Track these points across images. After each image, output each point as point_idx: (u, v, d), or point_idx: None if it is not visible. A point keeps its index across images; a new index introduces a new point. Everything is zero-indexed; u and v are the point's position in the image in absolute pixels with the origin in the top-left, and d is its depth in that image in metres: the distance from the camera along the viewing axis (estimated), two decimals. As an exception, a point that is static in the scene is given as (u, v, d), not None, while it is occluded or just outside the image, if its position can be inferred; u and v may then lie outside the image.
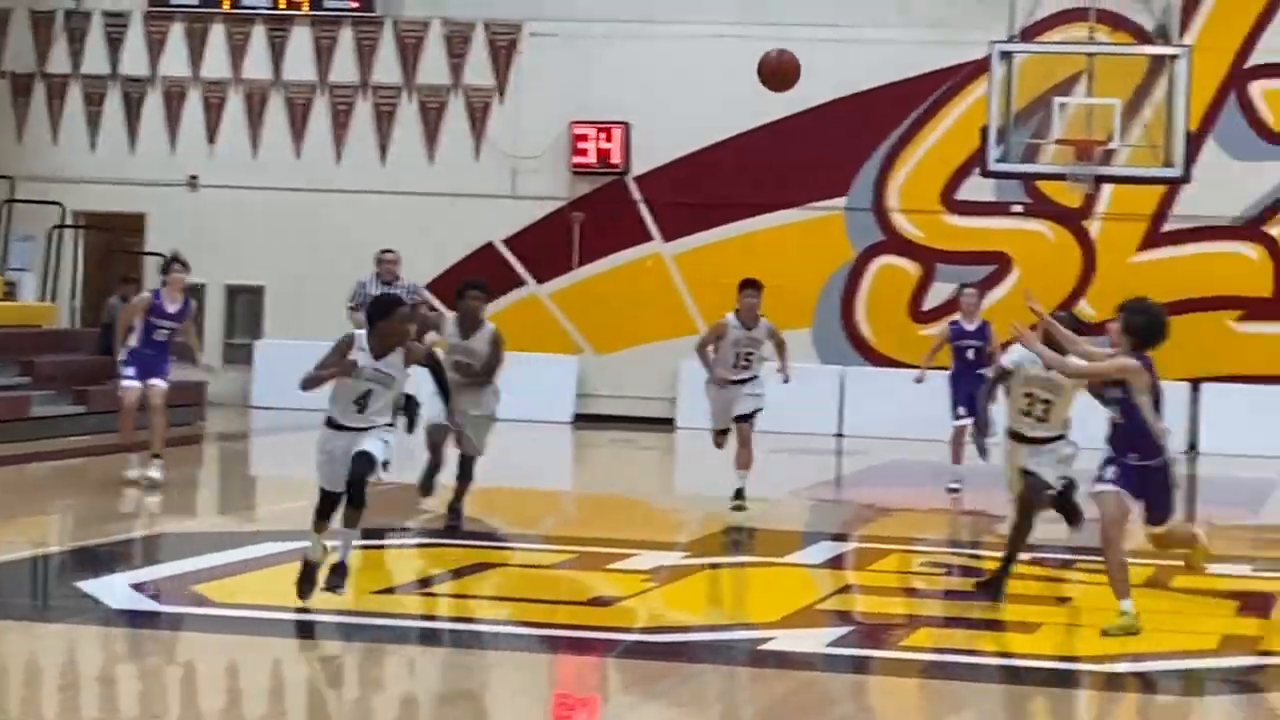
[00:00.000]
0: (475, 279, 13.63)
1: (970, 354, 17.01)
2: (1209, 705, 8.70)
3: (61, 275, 23.43)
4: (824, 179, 24.22)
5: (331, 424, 9.22)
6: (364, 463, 9.05)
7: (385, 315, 9.25)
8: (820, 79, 23.57)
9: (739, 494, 14.34)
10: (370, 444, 9.13)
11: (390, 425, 9.62)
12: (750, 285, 14.76)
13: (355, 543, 9.64)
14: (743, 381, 14.52)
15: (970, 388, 16.65)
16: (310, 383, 9.60)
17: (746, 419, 14.74)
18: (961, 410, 16.85)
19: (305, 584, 9.19)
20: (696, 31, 24.41)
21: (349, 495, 9.10)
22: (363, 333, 9.53)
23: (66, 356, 20.79)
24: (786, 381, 14.79)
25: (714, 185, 24.37)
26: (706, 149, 24.48)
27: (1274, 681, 9.09)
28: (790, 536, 13.79)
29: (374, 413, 9.34)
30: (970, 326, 17.14)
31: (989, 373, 13.11)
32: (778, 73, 11.79)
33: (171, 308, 15.17)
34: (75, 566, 12.85)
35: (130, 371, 15.33)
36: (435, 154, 25.67)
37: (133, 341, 15.71)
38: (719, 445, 15.20)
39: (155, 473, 14.85)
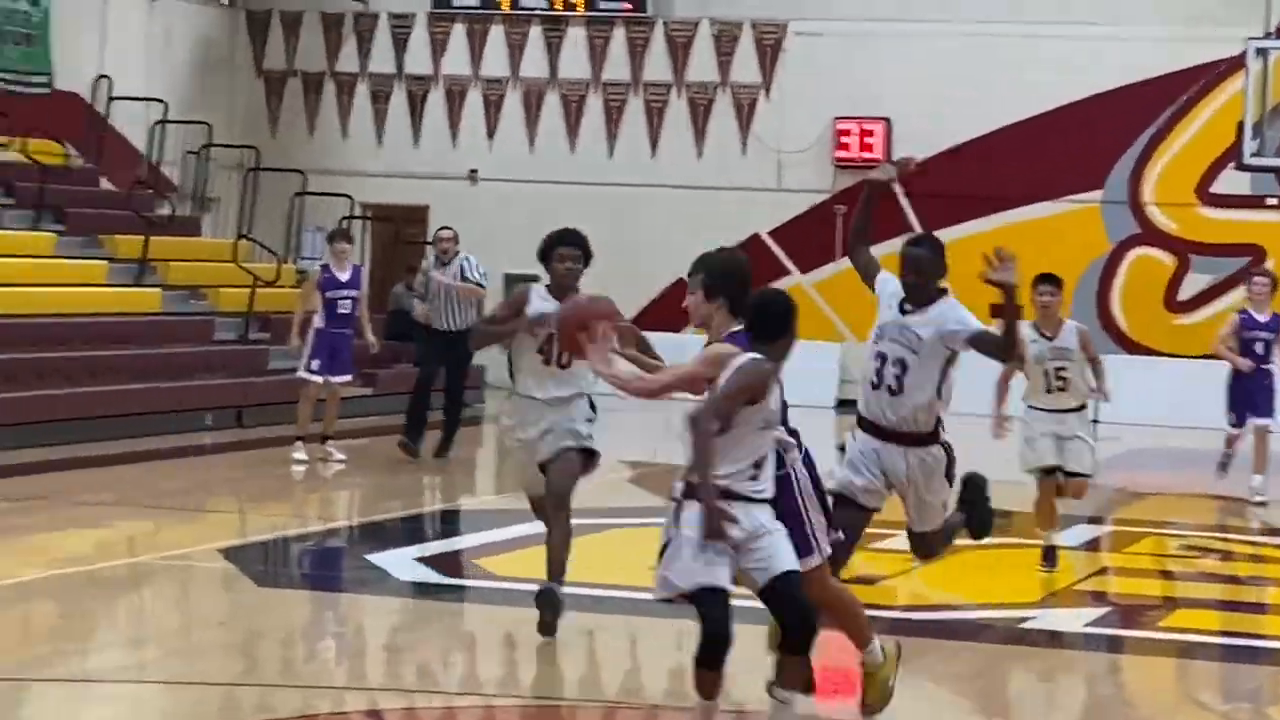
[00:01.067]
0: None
1: (1259, 347, 15.60)
2: None
3: (349, 264, 24.34)
4: (1080, 173, 24.44)
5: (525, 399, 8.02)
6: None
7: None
8: (1077, 75, 24.50)
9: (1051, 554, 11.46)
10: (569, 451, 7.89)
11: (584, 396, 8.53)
12: (1046, 280, 11.65)
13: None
14: (1066, 411, 11.56)
15: (1254, 385, 15.72)
16: (482, 338, 8.77)
17: (1079, 476, 11.72)
18: (1233, 417, 15.83)
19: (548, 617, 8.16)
20: (955, 29, 24.77)
21: None
22: (540, 285, 8.56)
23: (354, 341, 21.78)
24: (1108, 401, 12.47)
25: (971, 179, 24.51)
26: (964, 144, 24.67)
27: None
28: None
29: (577, 373, 8.15)
30: (1261, 318, 15.69)
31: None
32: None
33: (343, 276, 15.30)
34: (364, 540, 13.39)
35: (316, 364, 15.36)
36: (703, 149, 26.30)
37: (318, 321, 15.65)
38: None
39: (336, 455, 15.34)
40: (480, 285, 16.53)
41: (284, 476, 16.02)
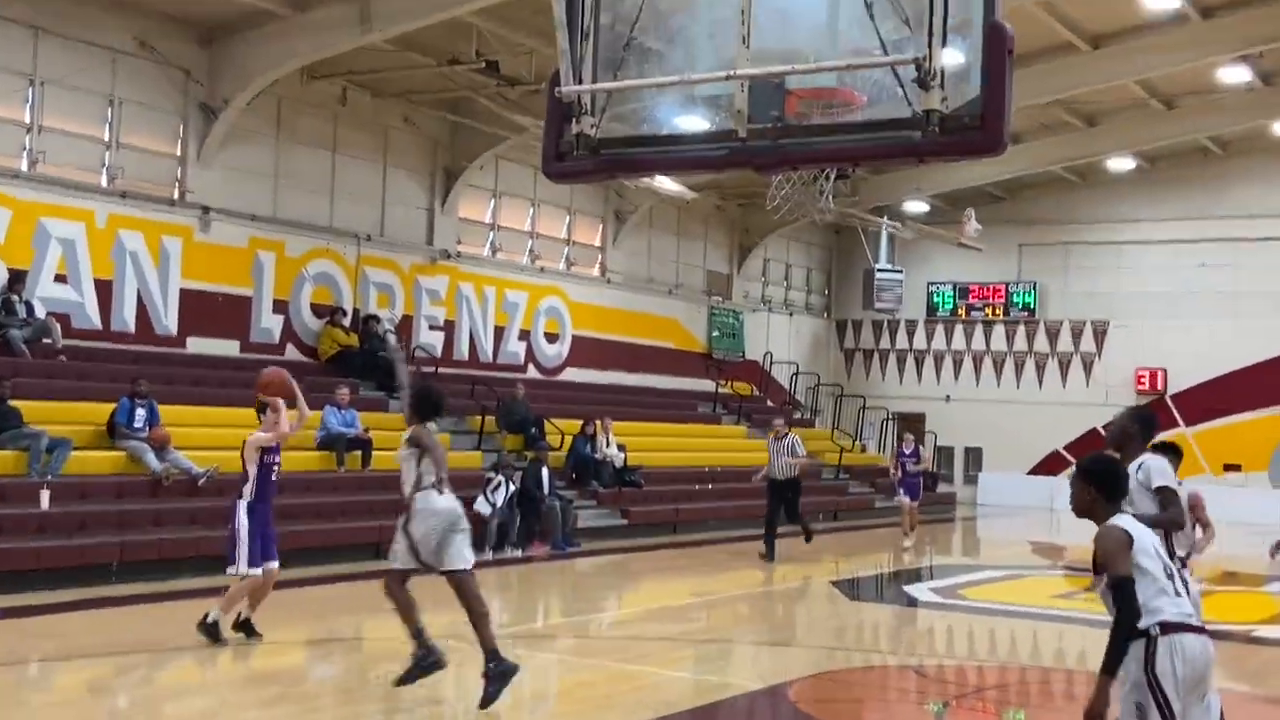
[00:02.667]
0: None
1: None
2: None
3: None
4: (1266, 394, 29.15)
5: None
6: None
7: None
8: (1253, 350, 29.14)
9: None
10: None
11: None
12: None
13: None
14: None
15: None
16: None
17: None
18: None
19: None
20: (1185, 324, 30.10)
21: None
22: None
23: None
24: None
25: (1206, 397, 30.15)
26: (1203, 383, 30.06)
27: None
28: None
29: None
30: None
31: None
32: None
33: (907, 449, 19.30)
34: (902, 580, 15.89)
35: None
36: (1066, 383, 32.06)
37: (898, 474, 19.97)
38: None
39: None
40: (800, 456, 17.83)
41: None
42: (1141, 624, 4.79)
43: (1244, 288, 30.14)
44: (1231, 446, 30.74)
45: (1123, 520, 4.96)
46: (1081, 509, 5.18)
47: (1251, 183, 29.80)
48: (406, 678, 7.78)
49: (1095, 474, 5.09)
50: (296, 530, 14.76)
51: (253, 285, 20.48)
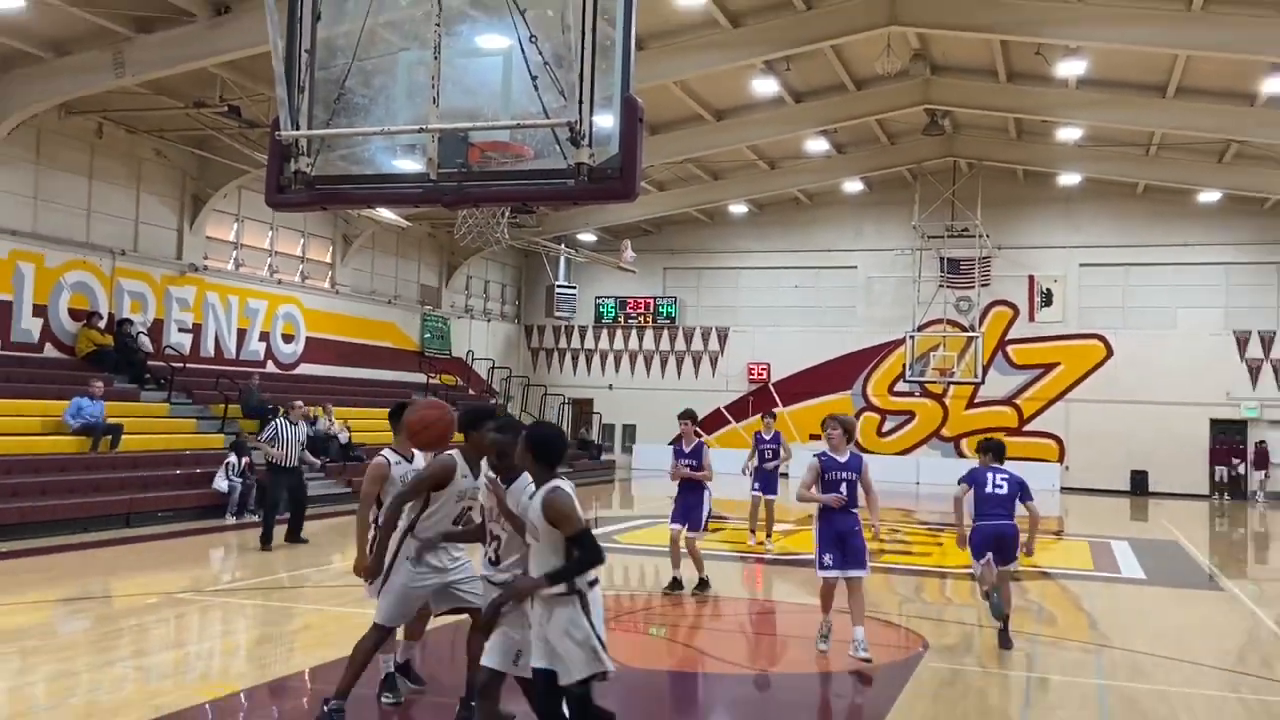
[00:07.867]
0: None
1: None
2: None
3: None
4: (844, 381, 30.03)
5: None
6: None
7: None
8: (839, 342, 29.91)
9: None
10: None
11: None
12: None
13: None
14: None
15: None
16: None
17: None
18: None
19: None
20: None
21: None
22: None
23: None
24: None
25: (823, 378, 30.88)
26: (822, 363, 30.24)
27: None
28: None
29: None
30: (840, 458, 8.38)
31: None
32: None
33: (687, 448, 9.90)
34: None
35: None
36: None
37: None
38: None
39: None
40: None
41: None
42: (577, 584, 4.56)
43: (824, 303, 31.14)
44: (815, 420, 31.80)
45: (565, 484, 4.58)
46: (520, 467, 4.85)
47: (828, 225, 30.84)
48: None
49: (534, 439, 4.64)
50: (53, 504, 13.48)
51: (13, 292, 18.37)
